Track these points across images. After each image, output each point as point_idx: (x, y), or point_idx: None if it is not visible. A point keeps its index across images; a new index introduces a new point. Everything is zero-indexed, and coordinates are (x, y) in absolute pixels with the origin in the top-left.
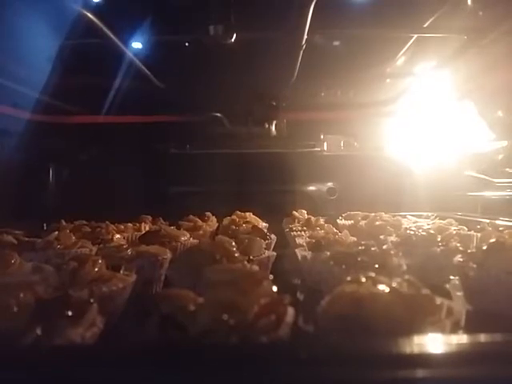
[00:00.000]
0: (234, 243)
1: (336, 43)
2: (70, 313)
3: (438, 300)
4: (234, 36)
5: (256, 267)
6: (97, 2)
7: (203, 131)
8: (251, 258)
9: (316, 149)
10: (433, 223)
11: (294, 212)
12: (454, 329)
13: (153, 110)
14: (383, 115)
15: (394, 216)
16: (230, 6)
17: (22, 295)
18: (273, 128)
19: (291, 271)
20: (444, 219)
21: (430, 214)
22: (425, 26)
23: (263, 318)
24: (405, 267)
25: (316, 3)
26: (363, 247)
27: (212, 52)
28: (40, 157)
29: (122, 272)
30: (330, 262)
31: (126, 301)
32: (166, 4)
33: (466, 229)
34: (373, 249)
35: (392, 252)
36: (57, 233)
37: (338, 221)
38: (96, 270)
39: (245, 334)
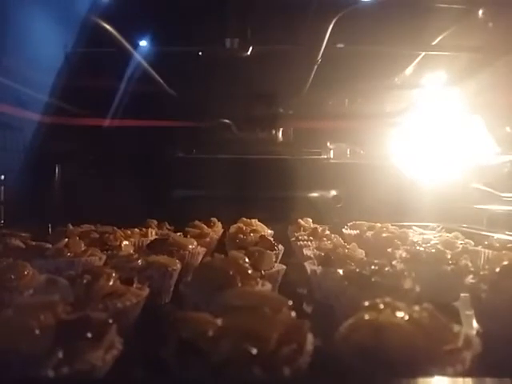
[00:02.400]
0: (246, 258)
1: (347, 57)
2: (90, 335)
3: (456, 328)
4: (250, 49)
5: (269, 285)
6: (113, 13)
7: (210, 136)
8: (263, 273)
9: (322, 156)
10: (439, 236)
11: (300, 220)
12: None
13: (162, 115)
14: (390, 125)
15: (399, 227)
16: (246, 20)
17: (42, 317)
18: (279, 134)
19: (300, 285)
20: (449, 231)
21: (435, 225)
22: (434, 43)
23: (284, 346)
24: (418, 289)
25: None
26: (376, 267)
27: (225, 62)
28: (46, 158)
29: (134, 286)
30: (344, 281)
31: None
32: (185, 16)
33: (473, 243)
34: (386, 269)
35: (405, 273)
36: (66, 240)
37: (344, 230)
38: (110, 283)
39: (266, 363)
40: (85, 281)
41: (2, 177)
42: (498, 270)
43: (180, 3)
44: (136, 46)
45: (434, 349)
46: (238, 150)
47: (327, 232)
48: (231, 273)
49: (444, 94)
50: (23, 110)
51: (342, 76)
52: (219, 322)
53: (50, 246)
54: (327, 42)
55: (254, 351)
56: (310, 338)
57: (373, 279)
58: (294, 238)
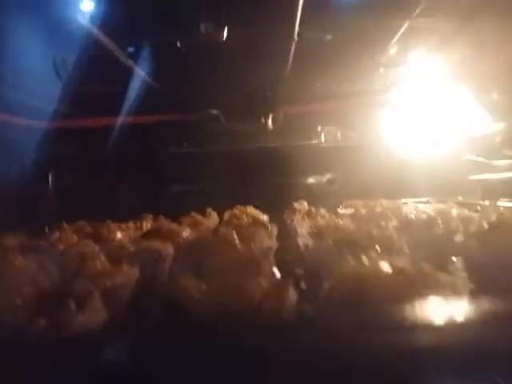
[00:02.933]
0: (235, 235)
1: (328, 35)
2: (72, 302)
3: (443, 277)
4: (226, 33)
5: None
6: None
7: (200, 129)
8: (252, 247)
9: (313, 141)
10: (433, 208)
11: (295, 204)
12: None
13: (149, 110)
14: (379, 104)
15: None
16: (220, 2)
17: (24, 289)
18: (269, 122)
19: (293, 261)
20: (444, 203)
21: (430, 199)
22: (414, 14)
23: (267, 302)
24: (407, 250)
25: None
26: (365, 233)
27: (204, 50)
28: (38, 161)
29: (124, 267)
30: (333, 248)
31: (129, 297)
32: (156, 4)
33: (467, 211)
34: (374, 234)
35: (395, 237)
36: (58, 234)
37: (339, 210)
38: (99, 264)
39: (251, 319)
40: (74, 264)
41: None
42: (486, 226)
43: None
44: (118, 43)
45: (419, 296)
46: (229, 141)
47: (322, 212)
48: (219, 248)
49: (429, 67)
50: (11, 116)
51: (326, 56)
52: (204, 285)
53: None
54: (303, 20)
55: (236, 308)
56: (293, 293)
57: (360, 243)
58: (289, 220)
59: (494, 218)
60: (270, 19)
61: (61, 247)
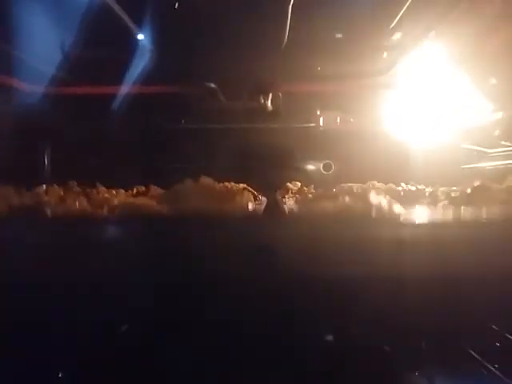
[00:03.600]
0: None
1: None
2: None
3: None
4: None
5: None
6: None
7: (199, 105)
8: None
9: (312, 124)
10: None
11: (288, 184)
12: None
13: (148, 81)
14: (378, 88)
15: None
16: None
17: None
18: (268, 103)
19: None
20: None
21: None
22: None
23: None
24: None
25: None
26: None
27: (200, 13)
28: (33, 128)
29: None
30: (314, 203)
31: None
32: None
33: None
34: (355, 190)
35: (374, 191)
36: (44, 186)
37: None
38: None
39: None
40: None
41: None
42: (469, 190)
43: None
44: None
45: None
46: (227, 119)
47: (313, 190)
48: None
49: (429, 51)
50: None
51: (324, 36)
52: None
53: None
54: None
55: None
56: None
57: (340, 197)
58: (280, 197)
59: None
60: None
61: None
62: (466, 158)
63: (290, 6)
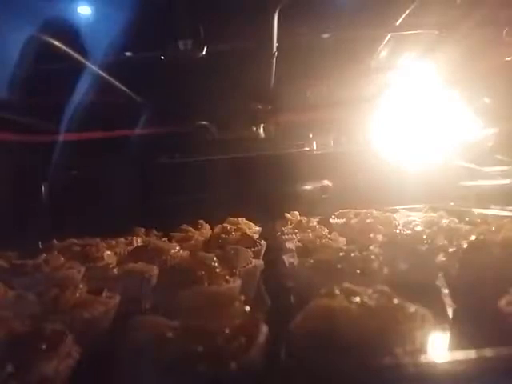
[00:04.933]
0: (215, 258)
1: (313, 44)
2: (43, 346)
3: (412, 308)
4: (205, 49)
5: (238, 282)
6: (69, 22)
7: (191, 140)
8: (235, 271)
9: (305, 148)
10: (423, 217)
11: (286, 214)
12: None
13: (139, 124)
14: (370, 110)
15: (385, 212)
16: (198, 20)
17: None
18: (261, 131)
19: (280, 279)
20: (436, 211)
21: (421, 206)
22: (397, 23)
23: (233, 341)
24: (386, 271)
25: (281, 10)
26: (343, 253)
27: (186, 65)
28: (31, 175)
29: (104, 295)
30: (312, 270)
31: (111, 322)
32: (136, 21)
33: (457, 221)
34: (352, 255)
35: (373, 257)
36: (45, 255)
37: (331, 220)
38: (77, 295)
39: (214, 359)
40: (52, 294)
41: None
42: (465, 245)
43: (128, 7)
44: (93, 56)
45: (386, 330)
46: (220, 150)
47: (314, 223)
48: (198, 274)
49: (418, 72)
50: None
51: (314, 64)
52: (174, 323)
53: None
54: (282, 33)
55: (200, 349)
56: (264, 330)
57: (339, 266)
58: (279, 233)
59: (474, 235)
60: (247, 35)
61: (46, 269)
62: (461, 174)
63: (274, 58)
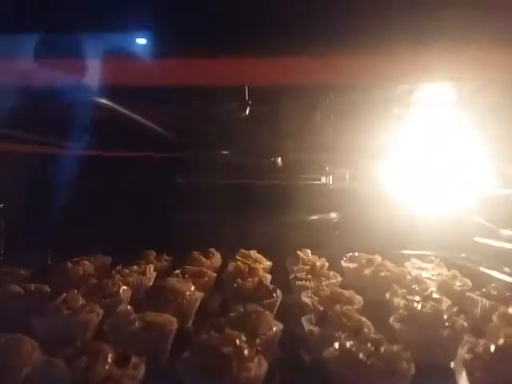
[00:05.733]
0: (243, 336)
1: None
2: None
3: None
4: (248, 110)
5: (265, 364)
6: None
7: (209, 163)
8: (258, 346)
9: (322, 182)
10: (437, 274)
11: (298, 252)
12: None
13: (159, 149)
14: (389, 152)
15: (398, 259)
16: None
17: None
18: (279, 160)
19: (298, 344)
20: (447, 263)
21: (433, 256)
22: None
23: None
24: (413, 371)
25: None
26: (372, 347)
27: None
28: (44, 188)
29: (132, 361)
30: (340, 363)
31: None
32: None
33: (471, 284)
34: (382, 351)
35: (402, 355)
36: (64, 295)
37: (343, 263)
38: (107, 367)
39: None
40: (82, 364)
41: (1, 205)
42: (493, 349)
43: None
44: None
45: None
46: (236, 175)
47: (326, 267)
48: (228, 355)
49: (444, 123)
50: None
51: (340, 114)
52: None
53: (48, 289)
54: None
55: None
56: None
57: (369, 363)
58: (292, 276)
59: (501, 337)
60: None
61: (66, 312)
62: (476, 230)
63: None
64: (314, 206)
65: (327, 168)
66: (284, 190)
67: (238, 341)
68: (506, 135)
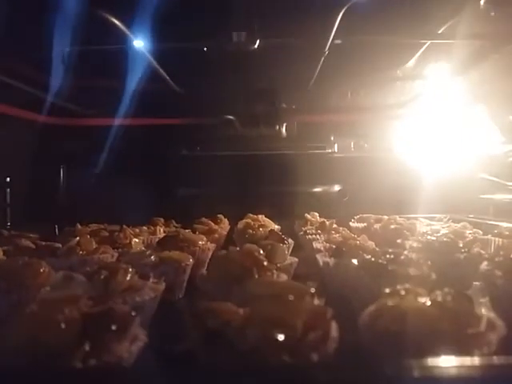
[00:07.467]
0: (261, 251)
1: (352, 49)
2: (114, 327)
3: (479, 312)
4: (258, 42)
5: (285, 276)
6: (115, 4)
7: (214, 133)
8: (278, 265)
9: (327, 150)
10: (448, 226)
11: (307, 215)
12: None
13: (166, 113)
14: (394, 118)
15: (407, 219)
16: (253, 12)
17: (67, 311)
18: (283, 130)
19: (313, 277)
20: (456, 222)
21: (442, 216)
22: (439, 32)
23: (310, 333)
24: (434, 277)
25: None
26: (391, 256)
27: (230, 57)
28: (52, 159)
29: (151, 280)
30: (360, 271)
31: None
32: (190, 10)
33: (481, 232)
34: (402, 257)
35: (421, 261)
36: (77, 238)
37: (351, 223)
38: (128, 278)
39: (294, 350)
40: (102, 276)
41: (8, 179)
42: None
43: None
44: (145, 43)
45: (458, 332)
46: (241, 146)
47: (335, 225)
48: (248, 264)
49: (447, 84)
50: (26, 111)
51: (346, 69)
52: (243, 311)
53: (59, 245)
54: (334, 34)
55: (281, 338)
56: (334, 325)
57: (389, 267)
58: (302, 232)
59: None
60: (303, 32)
61: (81, 252)
62: (482, 187)
63: (323, 59)
64: (320, 175)
65: (332, 137)
66: (289, 159)
67: (256, 253)
68: (505, 90)
